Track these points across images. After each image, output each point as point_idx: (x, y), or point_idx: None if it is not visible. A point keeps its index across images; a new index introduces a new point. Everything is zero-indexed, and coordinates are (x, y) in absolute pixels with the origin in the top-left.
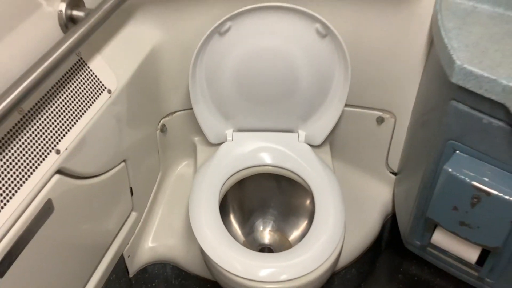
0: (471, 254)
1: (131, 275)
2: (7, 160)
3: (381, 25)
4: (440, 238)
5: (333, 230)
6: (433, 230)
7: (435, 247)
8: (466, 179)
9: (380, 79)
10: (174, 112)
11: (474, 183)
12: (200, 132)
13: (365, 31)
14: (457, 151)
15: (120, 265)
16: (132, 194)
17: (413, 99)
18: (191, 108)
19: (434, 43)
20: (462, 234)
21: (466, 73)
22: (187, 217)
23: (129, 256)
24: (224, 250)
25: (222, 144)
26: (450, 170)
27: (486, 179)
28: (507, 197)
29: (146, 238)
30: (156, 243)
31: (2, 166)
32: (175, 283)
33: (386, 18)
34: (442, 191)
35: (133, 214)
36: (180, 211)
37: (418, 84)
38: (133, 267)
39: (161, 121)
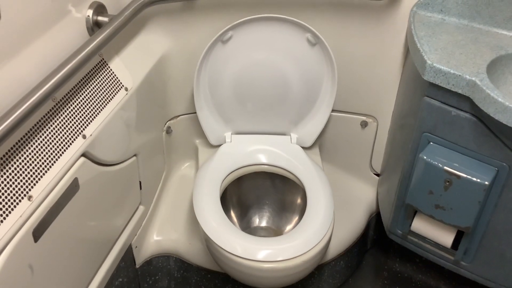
0: (447, 238)
1: (137, 266)
2: (43, 140)
3: (363, 37)
4: (419, 224)
5: (323, 217)
6: (413, 218)
7: (415, 234)
8: (439, 164)
9: (363, 85)
10: (178, 116)
11: (446, 168)
12: (201, 135)
13: (349, 43)
14: (431, 142)
15: (128, 254)
16: (141, 188)
17: (393, 104)
18: (194, 113)
19: (410, 51)
20: (438, 216)
21: (436, 70)
22: (189, 214)
23: (136, 247)
24: (226, 234)
25: (222, 145)
26: (425, 157)
27: (456, 165)
28: (474, 179)
29: (151, 232)
30: (161, 237)
31: (39, 145)
32: (177, 275)
33: (368, 31)
34: (419, 178)
35: (141, 208)
36: (182, 208)
37: (397, 90)
38: (139, 258)
39: (167, 123)
